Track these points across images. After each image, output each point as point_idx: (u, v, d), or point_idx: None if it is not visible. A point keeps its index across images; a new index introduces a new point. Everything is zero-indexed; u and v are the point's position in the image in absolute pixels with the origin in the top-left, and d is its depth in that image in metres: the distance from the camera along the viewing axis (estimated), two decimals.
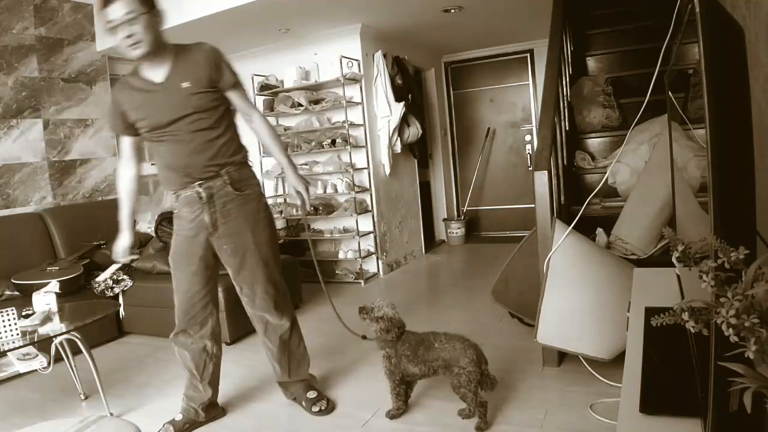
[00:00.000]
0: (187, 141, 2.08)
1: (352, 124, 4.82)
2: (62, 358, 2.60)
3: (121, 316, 3.65)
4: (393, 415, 2.28)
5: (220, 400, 2.46)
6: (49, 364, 2.45)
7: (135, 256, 2.45)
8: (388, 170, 5.07)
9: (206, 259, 2.24)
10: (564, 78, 3.81)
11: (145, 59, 2.01)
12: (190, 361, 2.30)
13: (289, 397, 2.50)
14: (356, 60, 4.81)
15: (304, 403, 2.41)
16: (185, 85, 2.05)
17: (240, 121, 2.28)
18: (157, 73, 2.07)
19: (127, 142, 2.23)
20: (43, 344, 2.40)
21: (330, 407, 2.41)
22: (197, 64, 2.08)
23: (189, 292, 2.25)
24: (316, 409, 2.38)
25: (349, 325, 2.86)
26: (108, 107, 2.18)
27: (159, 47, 2.02)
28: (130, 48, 1.95)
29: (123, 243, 2.29)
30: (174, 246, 2.26)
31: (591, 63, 4.50)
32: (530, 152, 6.36)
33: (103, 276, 3.55)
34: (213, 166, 2.13)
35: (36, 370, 2.48)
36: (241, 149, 2.24)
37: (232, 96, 2.19)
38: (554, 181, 2.80)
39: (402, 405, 2.28)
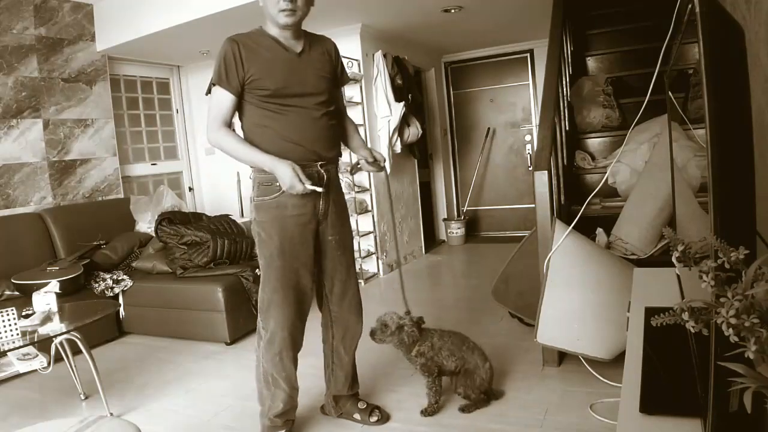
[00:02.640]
0: (317, 117, 2.02)
1: None
2: (62, 358, 2.60)
3: (121, 316, 3.65)
4: (430, 413, 2.25)
5: (217, 398, 2.44)
6: (49, 364, 2.45)
7: (318, 188, 1.95)
8: (388, 170, 5.05)
9: (314, 249, 2.08)
10: (564, 78, 3.81)
11: (288, 29, 1.98)
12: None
13: (334, 413, 2.33)
14: (356, 60, 4.80)
15: (358, 416, 2.27)
16: (319, 66, 2.07)
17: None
18: (293, 44, 2.03)
19: (233, 103, 1.97)
20: (43, 344, 2.40)
21: (384, 416, 2.28)
22: (329, 54, 2.13)
23: (308, 286, 2.08)
24: (374, 419, 2.24)
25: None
26: (222, 59, 1.92)
27: (300, 25, 2.03)
28: (283, 12, 1.91)
29: (289, 170, 1.87)
30: (278, 236, 1.99)
31: (591, 63, 4.50)
32: (530, 152, 6.36)
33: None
34: (334, 149, 2.10)
35: (36, 370, 2.47)
36: None
37: (338, 93, 2.23)
38: (554, 181, 2.80)
39: (439, 399, 2.27)
